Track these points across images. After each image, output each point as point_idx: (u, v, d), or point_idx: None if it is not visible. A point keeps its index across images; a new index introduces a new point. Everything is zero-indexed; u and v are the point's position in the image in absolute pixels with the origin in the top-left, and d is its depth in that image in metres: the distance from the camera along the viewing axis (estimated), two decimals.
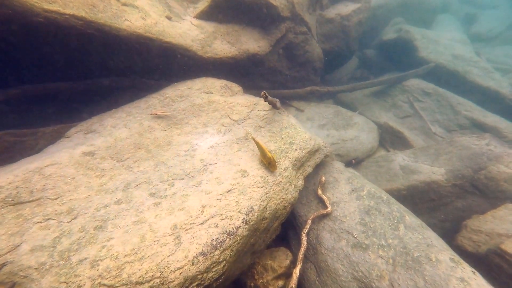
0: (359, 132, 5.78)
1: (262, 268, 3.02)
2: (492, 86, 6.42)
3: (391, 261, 2.44)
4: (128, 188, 2.61)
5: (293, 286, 2.50)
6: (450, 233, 3.52)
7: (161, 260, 1.96)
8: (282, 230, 3.54)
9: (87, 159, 2.72)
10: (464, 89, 6.63)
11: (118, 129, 3.26)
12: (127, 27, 3.34)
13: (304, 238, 2.98)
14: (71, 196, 2.34)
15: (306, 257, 3.03)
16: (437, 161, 4.03)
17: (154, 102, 3.88)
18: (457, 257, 2.32)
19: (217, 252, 2.15)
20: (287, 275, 2.96)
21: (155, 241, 2.11)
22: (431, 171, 3.91)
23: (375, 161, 5.01)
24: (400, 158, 4.64)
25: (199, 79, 4.36)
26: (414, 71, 7.01)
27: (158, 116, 3.50)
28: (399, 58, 8.09)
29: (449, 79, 6.89)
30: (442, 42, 7.80)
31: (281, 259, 3.07)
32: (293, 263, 3.03)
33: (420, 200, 3.89)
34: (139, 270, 1.86)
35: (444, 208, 3.73)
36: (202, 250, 2.10)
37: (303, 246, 2.90)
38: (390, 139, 5.80)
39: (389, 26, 9.28)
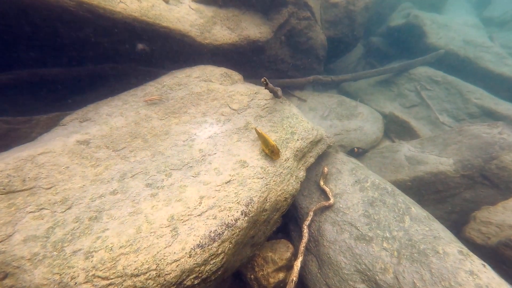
0: (363, 123, 5.65)
1: (263, 260, 2.99)
2: (506, 72, 6.17)
3: (395, 253, 2.38)
4: (124, 178, 2.56)
5: (294, 279, 2.46)
6: (457, 225, 3.45)
7: (157, 252, 1.91)
8: (283, 222, 3.50)
9: (82, 147, 2.66)
10: (476, 76, 6.40)
11: (114, 117, 3.19)
12: (122, 10, 3.21)
13: (305, 230, 2.93)
14: (65, 186, 2.29)
15: (307, 250, 2.98)
16: (445, 151, 3.91)
17: (152, 90, 3.80)
18: (465, 250, 2.25)
19: (215, 244, 2.10)
20: (288, 267, 2.93)
21: (151, 232, 2.06)
22: (439, 161, 3.80)
23: (379, 152, 4.90)
24: (405, 148, 4.53)
25: (198, 67, 4.25)
26: (422, 58, 6.79)
27: (153, 102, 3.42)
28: (407, 45, 7.83)
29: (459, 66, 6.66)
30: (453, 27, 7.50)
31: (282, 251, 3.03)
32: (294, 256, 2.99)
33: (426, 191, 3.80)
34: (135, 262, 1.82)
35: (451, 200, 3.64)
36: (199, 242, 2.05)
37: (305, 239, 2.85)
38: (396, 129, 5.67)
39: (397, 12, 8.97)
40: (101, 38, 3.48)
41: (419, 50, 7.32)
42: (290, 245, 3.12)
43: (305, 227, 3.00)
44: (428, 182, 3.76)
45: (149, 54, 3.99)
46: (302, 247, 2.78)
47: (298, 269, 2.55)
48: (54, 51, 3.43)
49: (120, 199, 2.34)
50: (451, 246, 2.25)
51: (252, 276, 2.91)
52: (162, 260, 1.87)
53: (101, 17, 3.06)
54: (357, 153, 5.07)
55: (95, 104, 3.38)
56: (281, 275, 2.86)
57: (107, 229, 2.03)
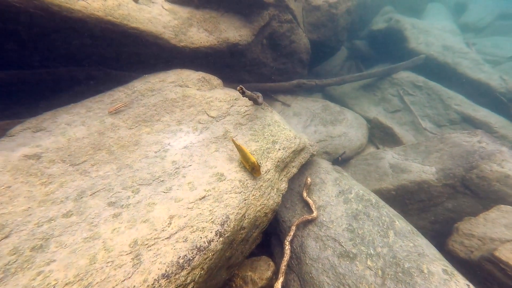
0: (348, 128, 5.63)
1: (241, 281, 2.80)
2: (482, 78, 6.38)
3: (380, 272, 2.27)
4: (81, 197, 2.29)
5: None
6: (440, 235, 3.43)
7: (113, 287, 1.68)
8: (265, 236, 3.34)
9: (30, 163, 2.36)
10: (455, 82, 6.59)
11: (74, 127, 2.90)
12: (83, 8, 2.94)
13: (287, 247, 2.77)
14: (4, 210, 1.99)
15: (289, 268, 2.83)
16: (428, 159, 3.92)
17: (121, 96, 3.54)
18: (450, 268, 2.18)
19: (184, 272, 1.89)
20: (269, 287, 2.76)
21: (108, 262, 1.82)
22: (422, 170, 3.79)
23: (364, 159, 4.87)
24: (389, 155, 4.52)
25: (173, 71, 4.03)
26: (403, 63, 6.92)
27: (118, 111, 3.17)
28: (388, 49, 7.98)
29: (439, 71, 6.84)
30: (433, 32, 7.72)
31: (262, 269, 2.86)
32: (276, 274, 2.83)
33: (410, 200, 3.78)
34: None
35: (435, 209, 3.63)
36: (165, 271, 1.84)
37: (286, 256, 2.69)
38: (380, 135, 5.69)
39: (379, 16, 9.15)
40: (61, 39, 3.18)
41: (400, 54, 7.47)
42: (271, 263, 2.95)
43: (287, 243, 2.85)
44: (412, 191, 3.74)
45: (118, 57, 3.72)
46: (283, 266, 2.63)
47: None
48: (5, 52, 3.09)
49: (74, 222, 2.08)
50: (436, 264, 2.17)
51: None
52: None
53: (56, 15, 2.77)
54: (340, 160, 5.02)
55: (53, 112, 3.07)
56: None
57: (53, 260, 1.76)
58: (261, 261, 2.99)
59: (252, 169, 2.56)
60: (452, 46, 7.18)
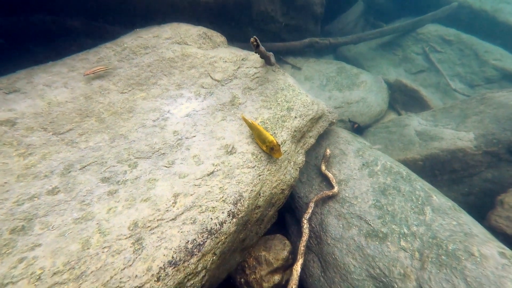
0: (367, 93, 5.17)
1: (255, 261, 2.64)
2: None
3: (417, 254, 2.04)
4: (69, 171, 2.02)
5: (294, 287, 2.12)
6: (474, 208, 3.18)
7: (111, 277, 1.46)
8: (278, 212, 3.14)
9: (3, 130, 2.06)
10: (493, 33, 5.81)
11: (55, 88, 2.54)
12: None
13: (305, 226, 2.55)
14: None
15: (308, 248, 2.64)
16: (464, 124, 3.54)
17: (108, 53, 3.12)
18: (509, 252, 1.93)
19: (194, 259, 1.67)
20: (285, 268, 2.61)
21: (104, 247, 1.60)
22: (456, 136, 3.42)
23: (385, 127, 4.50)
24: (415, 122, 4.14)
25: (168, 25, 3.54)
26: (431, 14, 6.15)
27: (95, 75, 2.75)
28: None
29: (474, 22, 6.03)
30: None
31: (277, 249, 2.68)
32: (292, 254, 2.66)
33: (440, 171, 3.48)
34: None
35: (469, 180, 3.34)
36: (172, 258, 1.62)
37: (305, 236, 2.48)
38: (402, 99, 5.24)
39: None
40: None
41: (426, 4, 6.60)
42: (287, 242, 2.77)
43: (305, 221, 2.62)
44: (443, 160, 3.42)
45: (102, 6, 3.20)
46: (302, 247, 2.42)
47: (298, 274, 2.21)
48: None
49: (62, 200, 1.83)
50: (489, 246, 1.93)
51: (242, 280, 2.57)
52: None
53: None
54: (356, 128, 4.65)
55: (29, 70, 2.69)
56: (276, 278, 2.53)
57: (38, 245, 1.54)
58: (275, 239, 2.80)
59: (271, 149, 2.23)
60: None
